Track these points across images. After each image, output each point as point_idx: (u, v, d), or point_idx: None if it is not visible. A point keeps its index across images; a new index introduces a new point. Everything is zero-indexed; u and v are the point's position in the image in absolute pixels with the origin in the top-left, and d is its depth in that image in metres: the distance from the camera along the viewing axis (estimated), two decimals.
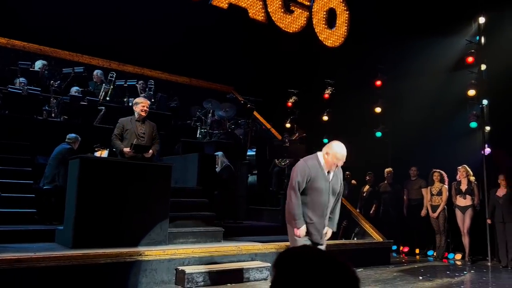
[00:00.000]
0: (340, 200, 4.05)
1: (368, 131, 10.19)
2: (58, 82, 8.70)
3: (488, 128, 8.23)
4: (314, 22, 9.24)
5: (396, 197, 8.84)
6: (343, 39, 9.80)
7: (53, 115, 7.99)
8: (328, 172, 3.81)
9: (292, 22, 8.93)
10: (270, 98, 10.87)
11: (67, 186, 5.43)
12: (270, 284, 1.11)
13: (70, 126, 7.51)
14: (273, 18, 8.63)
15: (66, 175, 5.59)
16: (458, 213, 7.83)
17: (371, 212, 8.95)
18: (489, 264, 7.47)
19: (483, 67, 8.40)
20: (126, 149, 5.61)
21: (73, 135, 6.81)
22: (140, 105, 5.88)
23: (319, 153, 3.87)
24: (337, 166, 3.81)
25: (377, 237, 7.69)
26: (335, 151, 3.75)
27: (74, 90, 8.28)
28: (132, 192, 5.31)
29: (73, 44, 9.83)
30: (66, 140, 6.75)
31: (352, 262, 1.11)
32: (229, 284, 5.19)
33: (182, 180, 7.61)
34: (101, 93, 8.80)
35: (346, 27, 9.71)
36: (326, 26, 9.48)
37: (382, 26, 9.31)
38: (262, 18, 8.56)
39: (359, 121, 10.30)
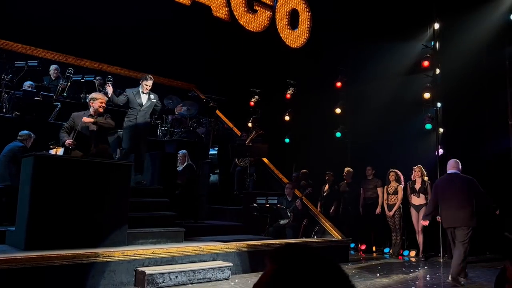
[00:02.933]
0: None
1: (329, 131, 10.40)
2: (10, 76, 8.27)
3: (441, 130, 8.59)
4: (277, 22, 9.30)
5: (355, 196, 9.06)
6: (305, 40, 9.91)
7: (4, 110, 7.59)
8: None
9: (255, 22, 8.94)
10: (233, 97, 10.84)
11: (19, 185, 5.18)
12: (270, 276, 1.07)
13: (22, 123, 7.14)
14: (236, 16, 8.61)
15: (18, 174, 5.33)
16: (413, 211, 8.11)
17: (330, 211, 9.11)
18: (441, 260, 7.79)
19: (438, 71, 8.76)
20: (69, 141, 5.56)
21: (25, 132, 6.46)
22: (98, 101, 5.75)
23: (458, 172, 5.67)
24: None
25: (336, 235, 7.84)
26: None
27: (27, 84, 7.88)
28: (89, 191, 5.14)
29: (27, 36, 9.36)
30: (18, 137, 6.40)
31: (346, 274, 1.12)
32: (190, 285, 5.13)
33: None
34: (57, 88, 8.44)
35: (308, 29, 9.83)
36: (288, 27, 9.56)
37: (343, 29, 9.52)
38: (226, 16, 8.51)
39: (319, 121, 10.50)
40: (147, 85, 7.06)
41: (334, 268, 1.06)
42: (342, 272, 1.06)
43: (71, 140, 5.52)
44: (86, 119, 5.74)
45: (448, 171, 5.81)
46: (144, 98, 7.10)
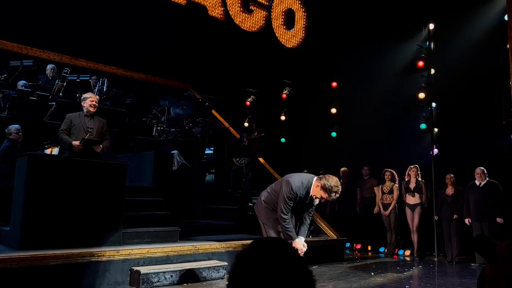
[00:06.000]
0: None
1: (324, 131, 10.42)
2: (5, 75, 8.24)
3: (436, 129, 8.63)
4: (272, 22, 9.32)
5: (350, 196, 9.08)
6: (300, 40, 9.94)
7: None
8: None
9: (251, 22, 8.96)
10: (229, 97, 10.85)
11: (14, 185, 5.16)
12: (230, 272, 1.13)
13: (17, 122, 7.10)
14: (232, 16, 8.62)
15: (12, 174, 5.31)
16: (408, 211, 8.14)
17: (326, 211, 9.11)
18: (435, 259, 7.83)
19: (432, 71, 8.80)
20: (75, 142, 5.48)
21: (8, 128, 6.39)
22: (89, 100, 5.73)
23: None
24: None
25: (331, 234, 7.87)
26: None
27: (20, 83, 7.87)
28: (85, 191, 5.12)
29: (22, 35, 9.34)
30: (6, 137, 6.38)
31: (307, 259, 1.14)
32: (185, 284, 5.13)
33: (137, 179, 7.43)
34: (53, 88, 8.42)
35: (303, 29, 9.86)
36: (284, 27, 9.58)
37: (338, 29, 9.54)
38: (221, 16, 8.52)
39: (315, 121, 10.53)
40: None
41: (293, 266, 1.08)
42: (301, 271, 1.07)
43: (78, 142, 5.46)
44: (75, 143, 5.52)
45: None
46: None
